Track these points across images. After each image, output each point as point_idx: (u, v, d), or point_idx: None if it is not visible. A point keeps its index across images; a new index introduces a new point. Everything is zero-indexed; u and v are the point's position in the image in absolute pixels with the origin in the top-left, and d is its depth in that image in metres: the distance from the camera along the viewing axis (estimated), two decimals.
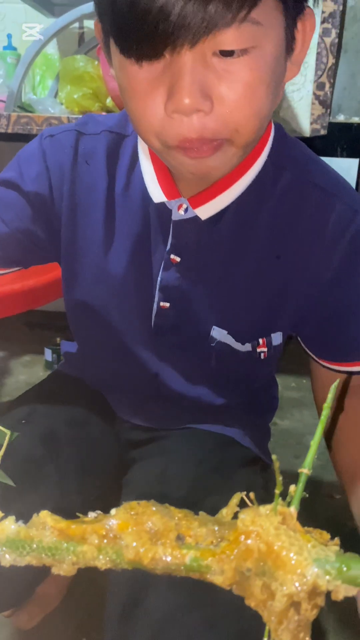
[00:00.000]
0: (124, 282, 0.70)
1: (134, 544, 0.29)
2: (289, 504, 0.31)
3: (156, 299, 0.69)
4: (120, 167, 0.68)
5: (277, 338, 0.71)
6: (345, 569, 0.28)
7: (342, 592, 0.27)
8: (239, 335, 0.70)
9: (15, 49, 1.74)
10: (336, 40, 1.79)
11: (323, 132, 1.85)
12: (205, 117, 0.50)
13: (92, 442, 0.78)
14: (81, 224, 0.70)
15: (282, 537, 0.29)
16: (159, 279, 0.68)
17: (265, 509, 0.30)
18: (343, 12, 1.78)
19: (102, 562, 0.29)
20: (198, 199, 0.63)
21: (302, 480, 0.31)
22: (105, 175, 0.68)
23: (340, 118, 2.00)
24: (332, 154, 1.93)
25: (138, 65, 0.50)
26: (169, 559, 0.29)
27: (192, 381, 0.76)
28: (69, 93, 1.50)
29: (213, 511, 0.33)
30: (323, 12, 1.77)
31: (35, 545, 0.29)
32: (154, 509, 0.31)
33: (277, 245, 0.65)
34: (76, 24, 1.79)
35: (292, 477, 0.35)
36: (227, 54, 0.48)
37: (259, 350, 0.71)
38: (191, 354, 0.73)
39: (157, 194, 0.64)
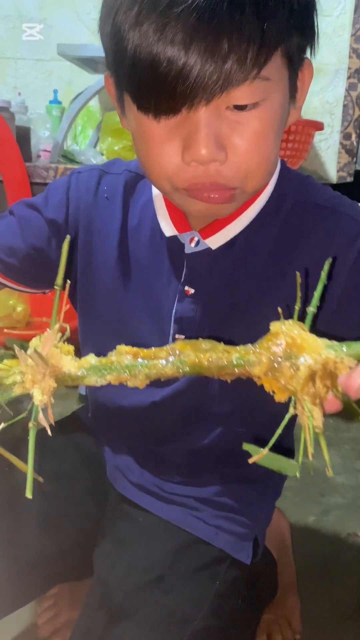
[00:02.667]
0: (139, 316, 0.71)
1: (195, 354, 0.38)
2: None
3: (171, 331, 0.70)
4: (135, 203, 0.71)
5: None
6: (346, 348, 0.38)
7: (346, 363, 0.37)
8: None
9: (60, 102, 1.87)
10: None
11: (349, 179, 1.93)
12: (220, 167, 0.54)
13: (68, 501, 0.78)
14: (96, 255, 0.73)
15: (303, 334, 0.38)
16: (173, 310, 0.69)
17: (290, 322, 0.39)
18: None
19: (169, 369, 0.38)
20: (208, 230, 0.65)
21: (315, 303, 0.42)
22: (120, 209, 0.71)
23: None
24: (359, 199, 1.99)
25: (156, 121, 0.53)
26: (221, 360, 0.38)
27: (199, 423, 0.74)
28: (110, 145, 1.61)
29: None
30: (349, 68, 1.87)
31: (114, 367, 0.38)
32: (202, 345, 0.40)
33: (286, 265, 0.66)
34: None
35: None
36: (240, 107, 0.52)
37: None
38: (201, 387, 0.71)
39: (168, 228, 0.67)
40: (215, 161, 0.53)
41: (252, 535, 0.75)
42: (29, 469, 0.37)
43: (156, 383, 0.70)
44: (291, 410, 0.39)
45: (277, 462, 0.41)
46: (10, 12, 2.07)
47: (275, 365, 0.37)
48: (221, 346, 0.39)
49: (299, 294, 0.42)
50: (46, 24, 2.05)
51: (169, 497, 0.76)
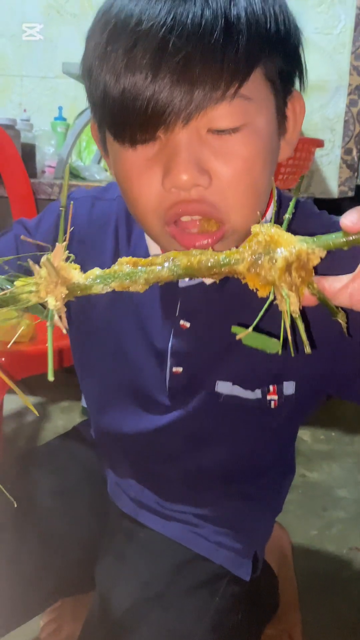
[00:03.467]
0: (137, 349, 0.70)
1: (186, 257, 0.43)
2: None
3: (169, 364, 0.69)
4: (128, 233, 0.70)
5: (289, 387, 0.67)
6: (316, 239, 0.42)
7: (316, 254, 0.42)
8: (245, 383, 0.67)
9: (65, 119, 1.90)
10: None
11: (350, 193, 1.95)
12: (204, 191, 0.51)
13: (70, 517, 0.78)
14: None
15: (280, 232, 0.43)
16: (169, 345, 0.68)
17: (267, 224, 0.44)
18: None
19: (165, 274, 0.42)
20: None
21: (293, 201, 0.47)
22: (113, 238, 0.70)
23: None
24: None
25: (133, 149, 0.52)
26: (210, 260, 0.43)
27: (200, 446, 0.74)
28: None
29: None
30: (350, 84, 1.89)
31: (117, 275, 0.43)
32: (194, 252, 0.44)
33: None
34: None
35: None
36: (221, 131, 0.50)
37: (269, 397, 0.68)
38: (203, 414, 0.71)
39: None
40: (197, 186, 0.51)
41: (251, 551, 0.75)
42: (49, 357, 0.42)
43: (159, 410, 0.72)
44: (270, 297, 0.43)
45: (260, 341, 0.46)
46: (15, 31, 2.11)
47: (256, 260, 0.42)
48: (210, 251, 0.44)
49: (274, 201, 0.47)
50: (51, 43, 2.09)
51: (169, 513, 0.76)
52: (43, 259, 0.42)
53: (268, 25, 0.50)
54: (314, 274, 0.43)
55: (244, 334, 0.46)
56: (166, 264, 0.43)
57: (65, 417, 1.91)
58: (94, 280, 0.43)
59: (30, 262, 0.43)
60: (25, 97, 2.15)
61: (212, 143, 0.51)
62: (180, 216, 0.53)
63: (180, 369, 0.69)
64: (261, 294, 0.44)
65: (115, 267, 0.44)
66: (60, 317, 0.43)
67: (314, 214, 0.67)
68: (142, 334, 0.70)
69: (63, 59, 1.76)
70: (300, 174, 1.49)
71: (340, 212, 0.74)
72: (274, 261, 0.42)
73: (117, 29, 0.50)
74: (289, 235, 0.43)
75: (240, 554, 0.73)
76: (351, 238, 0.42)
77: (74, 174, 1.71)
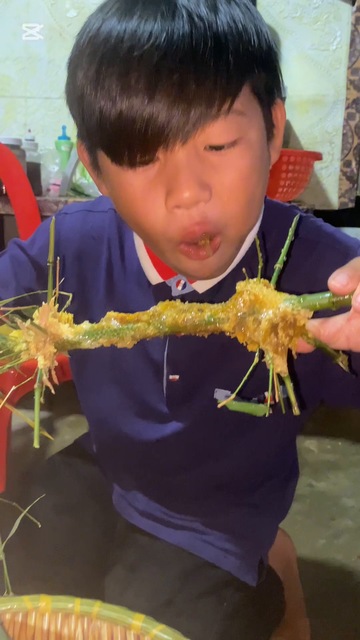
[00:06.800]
0: (133, 360, 0.70)
1: (172, 315, 0.44)
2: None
3: (165, 372, 0.69)
4: (121, 245, 0.70)
5: (283, 390, 0.70)
6: (302, 300, 0.41)
7: (302, 315, 0.41)
8: (243, 390, 0.67)
9: (68, 138, 1.94)
10: None
11: (351, 205, 1.97)
12: (205, 207, 0.52)
13: (77, 533, 0.78)
14: (89, 297, 0.72)
15: (265, 290, 0.43)
16: (165, 353, 0.68)
17: (254, 281, 0.44)
18: None
19: (151, 331, 0.43)
20: None
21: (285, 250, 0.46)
22: (107, 250, 0.70)
23: None
24: None
25: (132, 171, 0.52)
26: (195, 320, 0.43)
27: (202, 455, 0.74)
28: None
29: None
30: (347, 98, 1.93)
31: (105, 331, 0.44)
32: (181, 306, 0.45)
33: None
34: None
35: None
36: (218, 148, 0.51)
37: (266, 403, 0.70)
38: (203, 422, 0.71)
39: (153, 276, 0.66)
40: (199, 202, 0.52)
41: (257, 558, 0.76)
42: (35, 424, 0.42)
43: (159, 419, 0.72)
44: (256, 360, 0.43)
45: (246, 407, 0.46)
46: (20, 55, 2.16)
47: (241, 320, 0.42)
48: (196, 306, 0.44)
49: (259, 254, 0.47)
50: (54, 64, 2.14)
51: (175, 522, 0.77)
52: (34, 315, 0.43)
53: (252, 41, 0.52)
54: (305, 329, 0.42)
55: (226, 402, 0.45)
56: (153, 323, 0.44)
57: (72, 431, 1.92)
58: (83, 336, 0.44)
59: (18, 321, 0.43)
60: (29, 118, 2.20)
61: (210, 159, 0.52)
62: (189, 241, 0.55)
63: (177, 377, 0.69)
64: (250, 348, 0.44)
65: (103, 322, 0.45)
66: (50, 374, 0.43)
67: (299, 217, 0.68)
68: (137, 343, 0.71)
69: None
70: (299, 187, 1.52)
71: (340, 223, 0.75)
72: (257, 323, 0.42)
73: (108, 56, 0.50)
74: (274, 293, 0.42)
75: (246, 560, 0.74)
76: (339, 299, 0.41)
77: (78, 192, 1.75)
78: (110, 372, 0.74)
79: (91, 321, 0.74)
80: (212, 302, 0.64)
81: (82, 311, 0.73)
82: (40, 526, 0.59)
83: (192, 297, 0.67)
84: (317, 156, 1.56)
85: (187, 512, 0.77)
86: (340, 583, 1.20)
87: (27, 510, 0.60)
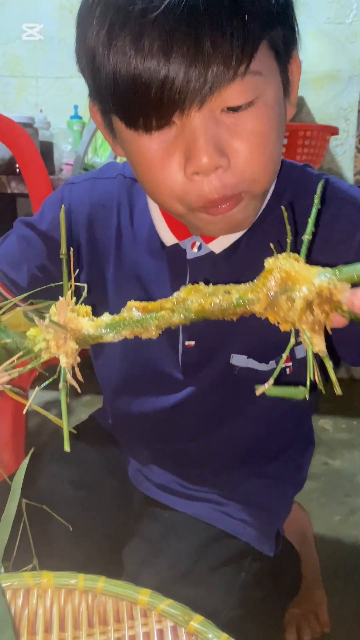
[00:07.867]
0: None
1: (197, 300, 0.41)
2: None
3: (180, 338, 0.69)
4: (130, 211, 0.69)
5: (300, 350, 0.68)
6: (338, 273, 0.38)
7: (339, 288, 0.37)
8: (260, 356, 0.68)
9: (80, 117, 1.93)
10: None
11: None
12: (223, 174, 0.52)
13: (94, 507, 0.78)
14: (100, 266, 0.71)
15: (296, 265, 0.39)
16: None
17: (283, 256, 0.40)
18: None
19: (176, 319, 0.41)
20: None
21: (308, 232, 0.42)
22: (116, 216, 0.70)
23: None
24: None
25: (148, 136, 0.51)
26: (223, 303, 0.40)
27: (217, 423, 0.74)
28: None
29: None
30: None
31: (127, 322, 0.41)
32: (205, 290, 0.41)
33: None
34: None
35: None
36: (235, 109, 0.50)
37: (283, 366, 0.68)
38: (218, 388, 0.71)
39: (168, 237, 0.66)
40: (218, 168, 0.51)
41: (274, 529, 0.76)
42: (64, 426, 0.40)
43: (174, 387, 0.72)
44: (292, 340, 0.40)
45: (285, 391, 0.42)
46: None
47: (273, 300, 0.39)
48: (222, 287, 0.41)
49: (287, 227, 0.43)
50: (65, 43, 2.12)
51: (192, 494, 0.77)
52: (51, 311, 0.41)
53: None
54: (340, 302, 0.39)
55: (264, 389, 0.42)
56: (177, 310, 0.41)
57: (88, 411, 1.92)
58: (105, 329, 0.42)
59: (37, 320, 0.41)
60: (41, 97, 2.18)
61: (227, 122, 0.51)
62: (209, 207, 0.54)
63: (192, 343, 0.69)
64: (283, 328, 0.41)
65: (124, 312, 0.42)
66: (74, 372, 0.41)
67: (312, 175, 0.66)
68: None
69: None
70: (316, 162, 1.50)
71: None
72: (291, 301, 0.38)
73: (120, 15, 0.48)
74: (307, 268, 0.39)
75: (263, 531, 0.74)
76: None
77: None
78: (125, 341, 0.74)
79: (106, 292, 0.75)
80: (229, 262, 0.65)
81: (97, 282, 0.73)
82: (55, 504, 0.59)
83: (208, 258, 0.66)
84: (334, 130, 1.53)
85: (204, 484, 0.77)
86: (356, 559, 1.20)
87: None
